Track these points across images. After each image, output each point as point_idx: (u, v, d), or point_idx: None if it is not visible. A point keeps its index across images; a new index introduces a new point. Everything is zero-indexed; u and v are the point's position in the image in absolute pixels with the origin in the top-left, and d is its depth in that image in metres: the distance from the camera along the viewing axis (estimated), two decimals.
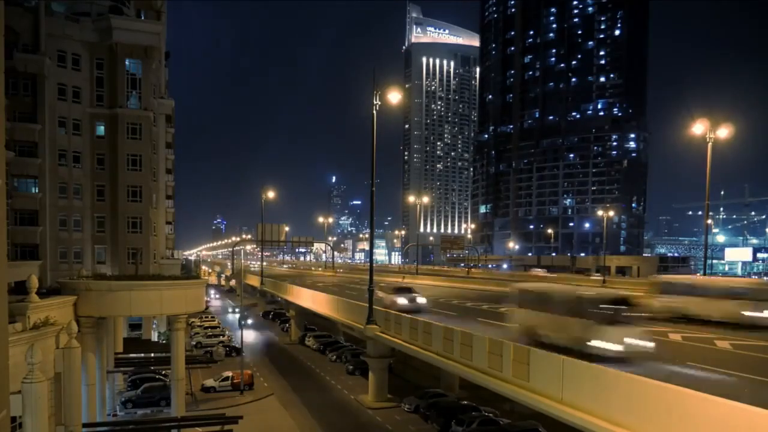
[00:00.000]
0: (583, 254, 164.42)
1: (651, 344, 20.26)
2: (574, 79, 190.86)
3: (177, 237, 78.47)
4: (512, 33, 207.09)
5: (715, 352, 24.24)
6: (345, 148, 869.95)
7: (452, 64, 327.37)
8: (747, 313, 28.21)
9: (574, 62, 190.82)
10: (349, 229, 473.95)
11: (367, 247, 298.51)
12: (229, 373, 45.54)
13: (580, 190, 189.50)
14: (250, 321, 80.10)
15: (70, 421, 22.02)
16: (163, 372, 41.81)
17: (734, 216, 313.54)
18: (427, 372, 46.04)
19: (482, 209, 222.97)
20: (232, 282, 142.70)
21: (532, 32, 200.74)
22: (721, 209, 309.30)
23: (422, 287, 70.94)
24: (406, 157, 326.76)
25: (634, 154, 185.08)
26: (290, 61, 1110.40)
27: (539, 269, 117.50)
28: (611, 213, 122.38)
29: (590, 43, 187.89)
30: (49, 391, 19.99)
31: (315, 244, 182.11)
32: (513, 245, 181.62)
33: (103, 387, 33.60)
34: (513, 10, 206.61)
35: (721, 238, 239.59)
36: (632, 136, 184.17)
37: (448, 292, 61.08)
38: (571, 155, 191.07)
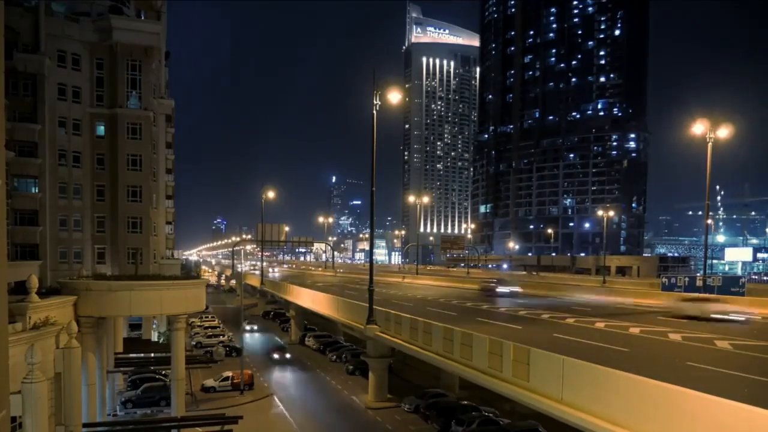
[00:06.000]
0: (583, 254, 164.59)
1: None
2: (574, 79, 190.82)
3: (177, 237, 78.47)
4: (512, 33, 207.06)
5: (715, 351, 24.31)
6: (345, 148, 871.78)
7: (452, 64, 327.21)
8: None
9: (574, 62, 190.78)
10: (349, 229, 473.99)
11: (367, 247, 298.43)
12: (229, 373, 45.50)
13: (580, 190, 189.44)
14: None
15: (70, 421, 22.01)
16: (163, 372, 41.77)
17: (734, 216, 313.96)
18: (427, 372, 46.05)
19: (482, 209, 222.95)
20: (233, 282, 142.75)
21: (532, 32, 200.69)
22: (721, 209, 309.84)
23: (422, 287, 71.11)
24: (406, 157, 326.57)
25: (634, 154, 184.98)
26: (290, 61, 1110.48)
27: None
28: (611, 213, 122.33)
29: (590, 43, 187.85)
30: (49, 391, 20.01)
31: (315, 244, 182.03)
32: (513, 245, 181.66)
33: (103, 387, 33.58)
34: (513, 10, 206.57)
35: (721, 238, 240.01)
36: (632, 136, 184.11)
37: (449, 292, 61.14)
38: (571, 155, 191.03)
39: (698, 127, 43.28)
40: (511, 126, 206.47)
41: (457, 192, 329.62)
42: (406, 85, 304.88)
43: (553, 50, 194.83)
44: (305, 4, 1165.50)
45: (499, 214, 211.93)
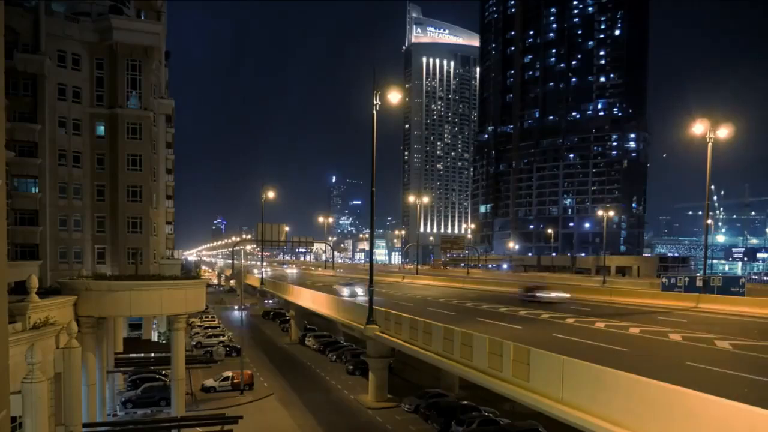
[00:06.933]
0: (583, 254, 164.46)
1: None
2: (574, 79, 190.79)
3: (177, 237, 78.48)
4: (512, 33, 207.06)
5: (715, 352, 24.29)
6: (345, 148, 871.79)
7: (452, 64, 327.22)
8: None
9: (574, 62, 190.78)
10: (349, 229, 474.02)
11: (367, 247, 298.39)
12: (229, 373, 45.51)
13: (580, 190, 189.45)
14: None
15: (70, 421, 21.99)
16: (163, 372, 41.80)
17: (734, 216, 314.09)
18: (427, 372, 46.02)
19: (482, 209, 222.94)
20: (232, 282, 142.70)
21: (532, 32, 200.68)
22: (721, 209, 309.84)
23: (422, 287, 71.08)
24: (406, 157, 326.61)
25: (634, 154, 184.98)
26: (290, 61, 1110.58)
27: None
28: (611, 213, 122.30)
29: (590, 43, 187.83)
30: (49, 391, 19.97)
31: (315, 244, 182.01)
32: (513, 245, 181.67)
33: (103, 387, 33.57)
34: (513, 10, 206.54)
35: (721, 238, 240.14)
36: (632, 136, 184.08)
37: (449, 292, 61.10)
38: (571, 155, 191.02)
39: (698, 127, 43.28)
40: (511, 126, 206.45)
41: (457, 192, 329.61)
42: (406, 85, 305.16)
43: (553, 50, 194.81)
44: (305, 4, 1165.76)
45: (499, 214, 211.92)
